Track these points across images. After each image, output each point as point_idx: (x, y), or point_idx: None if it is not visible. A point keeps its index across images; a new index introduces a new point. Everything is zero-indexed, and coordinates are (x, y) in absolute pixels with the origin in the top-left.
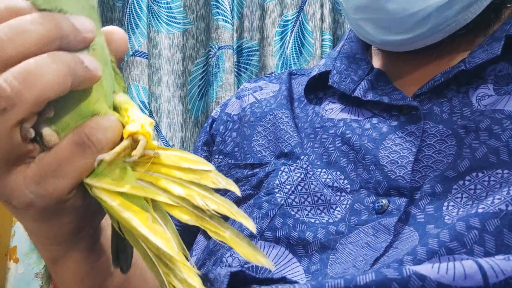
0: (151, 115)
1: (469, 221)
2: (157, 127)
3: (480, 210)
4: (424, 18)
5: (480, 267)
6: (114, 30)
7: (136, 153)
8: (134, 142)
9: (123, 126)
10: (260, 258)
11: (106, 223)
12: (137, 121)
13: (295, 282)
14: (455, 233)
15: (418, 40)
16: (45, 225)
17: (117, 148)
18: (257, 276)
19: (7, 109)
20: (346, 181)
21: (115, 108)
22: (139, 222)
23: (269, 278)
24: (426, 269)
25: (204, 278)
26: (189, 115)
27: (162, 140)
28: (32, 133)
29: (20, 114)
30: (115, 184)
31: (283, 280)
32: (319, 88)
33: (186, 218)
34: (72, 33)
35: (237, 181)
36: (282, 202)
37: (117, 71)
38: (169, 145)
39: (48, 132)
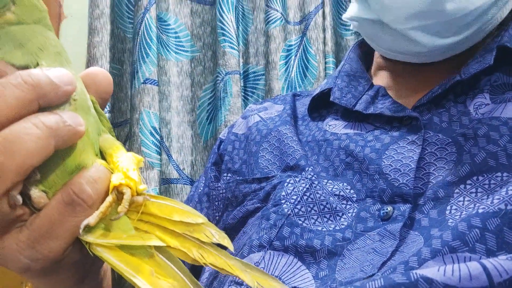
0: (161, 140)
1: (471, 221)
2: (168, 152)
3: (480, 210)
4: (476, 18)
5: (485, 267)
6: (97, 71)
7: (122, 209)
8: (120, 194)
9: (111, 173)
10: (272, 282)
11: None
12: (122, 168)
13: None
14: (457, 233)
15: (464, 42)
16: (46, 281)
17: (101, 208)
18: None
19: None
20: (352, 191)
21: (101, 151)
22: (143, 281)
23: None
24: (433, 272)
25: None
26: (198, 139)
27: (173, 164)
28: (19, 199)
29: (5, 185)
30: (112, 237)
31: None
32: (322, 106)
33: (190, 259)
34: (51, 89)
35: (245, 195)
36: (289, 212)
37: (100, 112)
38: (180, 169)
39: (36, 193)
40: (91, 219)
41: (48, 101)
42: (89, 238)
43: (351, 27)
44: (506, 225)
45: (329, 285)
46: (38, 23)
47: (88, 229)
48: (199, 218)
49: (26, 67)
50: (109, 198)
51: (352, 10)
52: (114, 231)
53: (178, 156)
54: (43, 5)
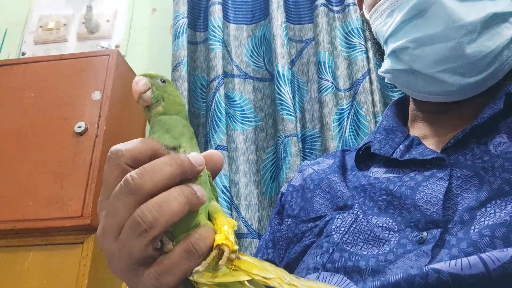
0: (231, 199)
1: (482, 232)
2: (237, 209)
3: (490, 223)
4: (493, 59)
5: (481, 258)
6: (213, 153)
7: (222, 263)
8: (220, 250)
9: (215, 233)
10: None
11: None
12: (223, 231)
13: None
14: (471, 241)
15: (486, 80)
16: None
17: (208, 260)
18: None
19: (147, 230)
20: (394, 223)
21: (209, 214)
22: None
23: None
24: (440, 265)
25: None
26: (263, 197)
27: (242, 221)
28: (159, 244)
29: (155, 233)
30: (214, 276)
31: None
32: (367, 158)
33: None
34: (190, 168)
35: (303, 233)
36: (338, 241)
37: (212, 183)
38: (248, 224)
39: (167, 241)
40: (200, 268)
41: (187, 177)
42: (198, 279)
43: (386, 80)
44: (511, 232)
45: (363, 285)
46: (177, 114)
47: (197, 272)
48: (272, 274)
49: (174, 148)
50: (214, 253)
51: (385, 65)
52: (215, 275)
53: (246, 213)
54: (182, 100)
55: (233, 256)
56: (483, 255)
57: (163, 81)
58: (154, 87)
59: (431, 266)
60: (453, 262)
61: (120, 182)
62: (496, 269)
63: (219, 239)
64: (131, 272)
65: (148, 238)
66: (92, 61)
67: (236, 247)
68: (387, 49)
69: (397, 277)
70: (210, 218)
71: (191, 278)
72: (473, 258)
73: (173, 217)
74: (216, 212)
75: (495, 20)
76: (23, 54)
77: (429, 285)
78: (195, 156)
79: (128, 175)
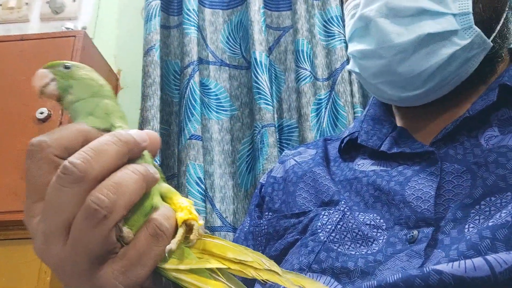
0: (205, 191)
1: (482, 233)
2: (211, 201)
3: (490, 224)
4: (429, 76)
5: (486, 260)
6: (150, 133)
7: (194, 237)
8: (188, 226)
9: (175, 212)
10: (319, 285)
11: None
12: (184, 207)
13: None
14: (471, 244)
15: (429, 94)
16: None
17: (178, 236)
18: None
19: (107, 216)
20: (382, 220)
21: (162, 197)
22: None
23: None
24: (442, 266)
25: None
26: (239, 189)
27: (216, 213)
28: (123, 229)
29: (116, 217)
30: (183, 263)
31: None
32: (351, 148)
33: (250, 275)
34: (135, 145)
35: (285, 229)
36: (324, 239)
37: (155, 165)
38: (223, 217)
39: (126, 230)
40: (173, 245)
41: (133, 155)
42: (167, 266)
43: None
44: None
45: (358, 285)
46: (95, 96)
47: (165, 259)
48: (249, 256)
49: (108, 129)
50: (182, 229)
51: (350, 64)
52: (183, 260)
53: (221, 205)
54: (99, 80)
55: (202, 232)
56: (488, 257)
57: (67, 67)
58: (58, 76)
59: (432, 267)
60: (456, 263)
61: (57, 173)
62: (503, 272)
63: (183, 215)
64: (90, 274)
65: (108, 226)
66: (56, 42)
67: (202, 222)
68: (348, 50)
69: (395, 278)
70: (163, 199)
71: (160, 267)
72: (478, 260)
73: (132, 197)
74: (169, 192)
75: (433, 39)
76: None
77: (430, 287)
78: (137, 132)
79: (66, 162)
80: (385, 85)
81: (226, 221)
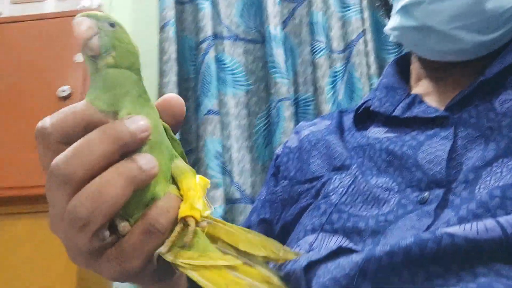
0: (224, 164)
1: (492, 192)
2: (230, 175)
3: (501, 184)
4: (511, 15)
5: (498, 222)
6: (171, 97)
7: (187, 239)
8: (185, 224)
9: (181, 200)
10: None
11: None
12: (188, 198)
13: (353, 250)
14: (481, 202)
15: (501, 38)
16: (132, 282)
17: (171, 238)
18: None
19: (85, 225)
20: (394, 184)
21: (174, 177)
22: None
23: (330, 252)
24: (454, 229)
25: (283, 276)
26: (256, 162)
27: (235, 186)
28: (107, 235)
29: (95, 227)
30: (188, 257)
31: (340, 249)
32: (366, 118)
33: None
34: (130, 139)
35: (299, 194)
36: (336, 201)
37: (173, 138)
38: (242, 190)
39: (121, 224)
40: (163, 249)
41: (128, 149)
42: (170, 257)
43: (391, 39)
44: None
45: (371, 248)
46: (129, 68)
47: (169, 249)
48: (261, 252)
49: (107, 112)
50: (178, 228)
51: (393, 22)
52: (191, 250)
53: (239, 178)
54: (136, 49)
55: (204, 224)
56: (500, 219)
57: (112, 25)
58: (102, 32)
59: (444, 229)
60: (468, 225)
61: (49, 169)
62: None
63: (182, 210)
64: (88, 260)
65: (89, 233)
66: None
67: (207, 212)
68: (397, 4)
69: (407, 241)
70: (175, 181)
71: (163, 256)
72: (490, 223)
73: (113, 205)
74: (181, 174)
75: None
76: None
77: (443, 250)
78: (135, 122)
79: (54, 161)
80: (461, 30)
81: (244, 193)
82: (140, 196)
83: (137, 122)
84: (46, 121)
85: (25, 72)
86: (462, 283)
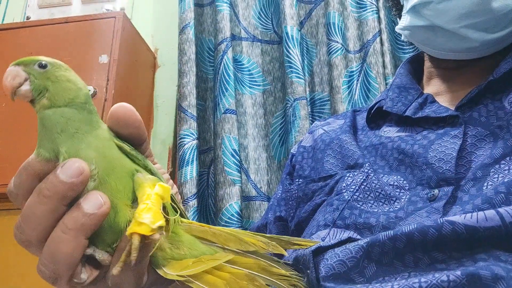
0: (240, 162)
1: (497, 188)
2: (246, 172)
3: (506, 180)
4: None
5: (497, 211)
6: (116, 111)
7: (133, 258)
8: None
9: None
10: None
11: None
12: (134, 215)
13: (359, 239)
14: (486, 198)
15: (508, 37)
16: None
17: (122, 258)
18: (330, 243)
19: (54, 282)
20: (405, 182)
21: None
22: None
23: (339, 241)
24: (455, 217)
25: (292, 262)
26: (272, 161)
27: (251, 184)
28: (84, 278)
29: (65, 278)
30: (187, 267)
31: (350, 239)
32: (379, 118)
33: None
34: (68, 189)
35: (313, 192)
36: (348, 198)
37: (131, 152)
38: (258, 187)
39: (100, 256)
40: (114, 270)
41: (70, 198)
42: (165, 272)
43: (402, 38)
44: None
45: (376, 234)
46: (68, 105)
47: (163, 262)
48: (250, 247)
49: (50, 159)
50: (127, 247)
51: (404, 22)
52: (188, 259)
53: (255, 176)
54: (76, 82)
55: (156, 236)
56: (499, 209)
57: (43, 66)
58: (32, 76)
59: (445, 218)
60: (468, 215)
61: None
62: None
63: (130, 227)
64: None
65: (62, 284)
66: (98, 23)
67: (157, 224)
68: (408, 4)
69: (410, 228)
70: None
71: (159, 272)
72: (489, 212)
73: (71, 259)
74: (137, 188)
75: None
76: (28, 18)
77: (443, 236)
78: (68, 169)
79: (14, 227)
80: (469, 28)
81: (260, 191)
82: (109, 228)
83: (69, 169)
84: (11, 183)
85: None
86: (462, 267)
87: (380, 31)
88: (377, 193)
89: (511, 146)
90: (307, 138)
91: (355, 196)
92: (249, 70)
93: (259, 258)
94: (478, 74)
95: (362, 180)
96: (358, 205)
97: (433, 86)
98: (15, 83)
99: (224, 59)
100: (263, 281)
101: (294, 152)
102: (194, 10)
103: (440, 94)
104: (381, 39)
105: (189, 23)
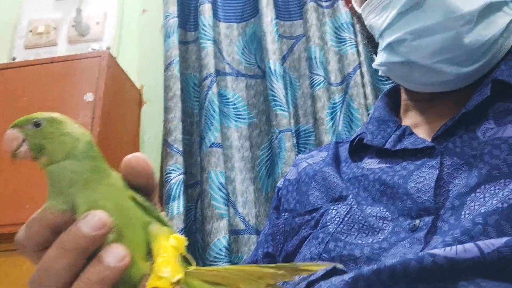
0: (228, 196)
1: (475, 219)
2: (234, 206)
3: (482, 210)
4: (489, 47)
5: (476, 244)
6: (130, 160)
7: None
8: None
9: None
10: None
11: None
12: (153, 268)
13: (344, 270)
14: (464, 229)
15: (481, 69)
16: None
17: None
18: (318, 275)
19: None
20: (387, 212)
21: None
22: None
23: (326, 272)
24: (435, 250)
25: None
26: (260, 193)
27: (239, 217)
28: None
29: None
30: None
31: (335, 269)
32: (360, 150)
33: None
34: (90, 242)
35: (300, 226)
36: (333, 231)
37: (144, 204)
38: (246, 220)
39: None
40: None
41: (91, 251)
42: None
43: (379, 73)
44: (504, 219)
45: (360, 269)
46: (68, 157)
47: None
48: (261, 284)
49: (66, 211)
50: None
51: (380, 58)
52: None
53: (243, 209)
54: (73, 133)
55: None
56: (478, 242)
57: (37, 124)
58: (29, 136)
59: (426, 251)
60: (448, 248)
61: None
62: (491, 252)
63: (149, 282)
64: None
65: None
66: (84, 63)
67: (177, 277)
68: (383, 42)
69: (393, 261)
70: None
71: None
72: (469, 245)
73: None
74: (153, 240)
75: (490, 9)
76: (14, 59)
77: (425, 268)
78: (89, 222)
79: (29, 282)
80: (443, 63)
81: (248, 224)
82: (119, 281)
83: (91, 221)
84: (21, 234)
85: (39, 111)
86: None
87: (360, 64)
88: (361, 225)
89: (485, 174)
90: (292, 171)
91: (339, 228)
92: (234, 104)
93: None
94: (451, 105)
95: (345, 212)
96: (343, 237)
97: (410, 118)
98: (13, 146)
99: (209, 94)
100: None
101: (280, 186)
102: (179, 47)
103: (418, 126)
104: (361, 72)
105: (174, 60)
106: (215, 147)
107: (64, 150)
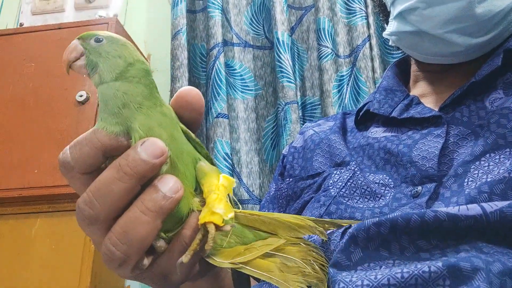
0: (232, 166)
1: (481, 188)
2: (238, 176)
3: (489, 179)
4: (501, 19)
5: (479, 204)
6: (186, 93)
7: (207, 247)
8: (205, 230)
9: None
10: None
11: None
12: (208, 203)
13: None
14: (470, 198)
15: (492, 41)
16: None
17: (192, 247)
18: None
19: (122, 264)
20: (390, 180)
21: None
22: (278, 279)
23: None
24: (438, 208)
25: None
26: (265, 164)
27: (243, 187)
28: (146, 264)
29: (132, 263)
30: (244, 253)
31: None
32: (367, 119)
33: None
34: (149, 169)
35: (302, 190)
36: (335, 194)
37: (194, 140)
38: (250, 191)
39: (158, 244)
40: (184, 258)
41: (147, 178)
42: (219, 260)
43: (390, 43)
44: (510, 189)
45: (362, 221)
46: (119, 78)
47: (213, 251)
48: (300, 233)
49: (119, 134)
50: (199, 236)
51: (391, 27)
52: (239, 246)
53: (248, 180)
54: (126, 58)
55: (227, 227)
56: (482, 203)
57: (99, 40)
58: (87, 51)
59: (429, 208)
60: (451, 207)
61: (76, 208)
62: (494, 212)
63: (202, 216)
64: (132, 277)
65: (128, 269)
66: (91, 29)
67: (231, 216)
68: (394, 11)
69: (394, 214)
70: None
71: (212, 262)
72: (472, 205)
73: (145, 241)
74: (203, 177)
75: None
76: (21, 25)
77: (426, 223)
78: (149, 148)
79: (78, 202)
80: (454, 33)
81: (253, 194)
82: (175, 213)
83: (150, 148)
84: (67, 155)
85: (46, 79)
86: (444, 257)
87: (369, 36)
88: (363, 190)
89: (491, 143)
90: (298, 139)
91: (341, 192)
92: (241, 75)
93: (305, 245)
94: (461, 76)
95: (348, 177)
96: (344, 201)
97: (419, 88)
98: (71, 57)
99: (216, 64)
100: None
101: (285, 153)
102: (187, 17)
103: (426, 96)
104: (370, 44)
105: (182, 29)
106: (221, 117)
107: (115, 71)
